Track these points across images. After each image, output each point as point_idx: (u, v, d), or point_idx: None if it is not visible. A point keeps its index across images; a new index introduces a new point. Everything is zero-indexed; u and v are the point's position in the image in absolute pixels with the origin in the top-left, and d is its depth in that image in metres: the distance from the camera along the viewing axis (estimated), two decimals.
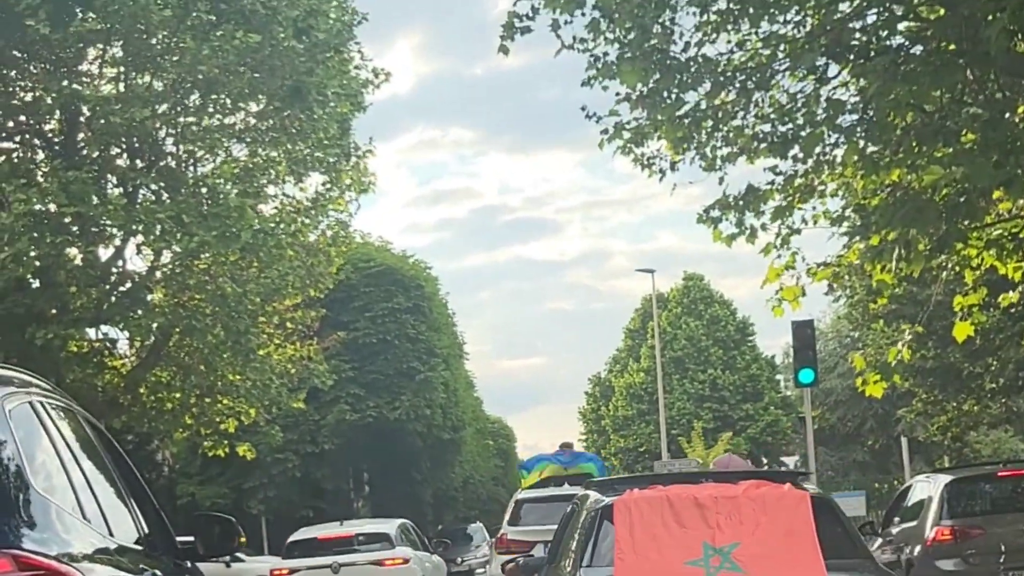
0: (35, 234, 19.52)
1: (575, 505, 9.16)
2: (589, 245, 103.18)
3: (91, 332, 23.26)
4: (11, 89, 21.87)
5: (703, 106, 13.14)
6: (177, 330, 22.55)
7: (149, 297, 22.64)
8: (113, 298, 22.11)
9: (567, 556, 8.46)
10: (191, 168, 22.78)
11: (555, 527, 9.84)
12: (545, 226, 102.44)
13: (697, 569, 7.33)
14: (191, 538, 5.85)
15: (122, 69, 21.69)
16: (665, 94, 12.92)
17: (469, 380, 56.37)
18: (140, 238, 21.68)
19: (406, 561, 19.88)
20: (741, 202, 14.17)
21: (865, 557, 8.16)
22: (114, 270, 22.86)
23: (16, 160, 21.56)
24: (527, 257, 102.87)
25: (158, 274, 22.52)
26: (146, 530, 5.43)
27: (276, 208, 23.94)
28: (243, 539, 6.09)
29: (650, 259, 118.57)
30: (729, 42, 13.28)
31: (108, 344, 24.06)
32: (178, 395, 24.18)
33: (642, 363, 67.29)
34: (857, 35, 12.37)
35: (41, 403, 4.54)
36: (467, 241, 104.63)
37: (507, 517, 20.78)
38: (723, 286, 69.12)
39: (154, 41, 20.78)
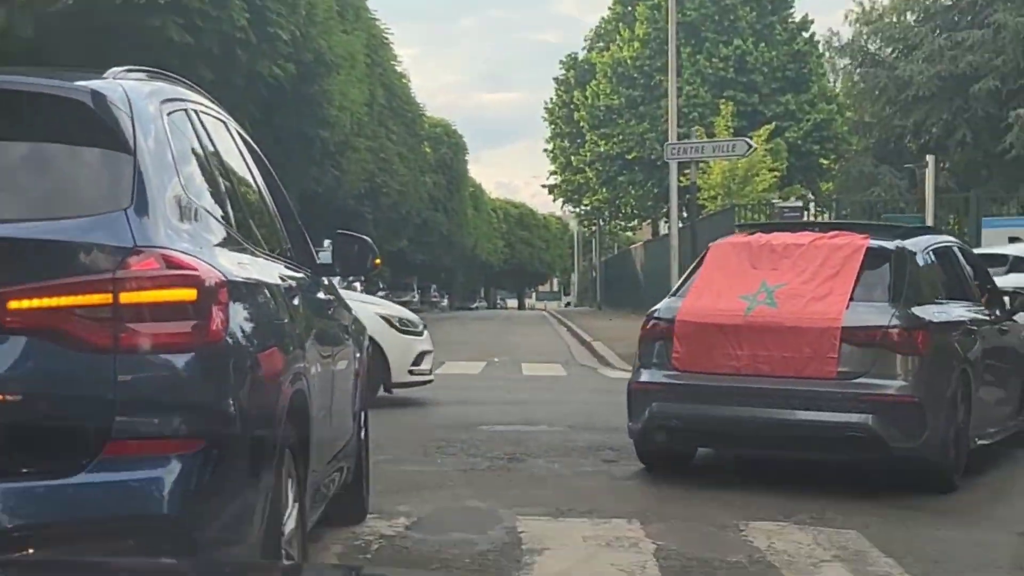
0: None
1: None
2: None
3: None
4: None
5: None
6: None
7: None
8: None
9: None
10: None
11: None
12: None
13: (743, 302, 8.89)
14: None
15: None
16: None
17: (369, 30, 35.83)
18: None
19: None
20: None
21: (895, 301, 8.81)
22: None
23: None
24: None
25: None
26: (288, 244, 5.82)
27: None
28: (379, 260, 6.76)
29: None
30: None
31: None
32: None
33: (637, 31, 46.34)
34: None
35: (196, 112, 4.77)
36: None
37: None
38: None
39: None
